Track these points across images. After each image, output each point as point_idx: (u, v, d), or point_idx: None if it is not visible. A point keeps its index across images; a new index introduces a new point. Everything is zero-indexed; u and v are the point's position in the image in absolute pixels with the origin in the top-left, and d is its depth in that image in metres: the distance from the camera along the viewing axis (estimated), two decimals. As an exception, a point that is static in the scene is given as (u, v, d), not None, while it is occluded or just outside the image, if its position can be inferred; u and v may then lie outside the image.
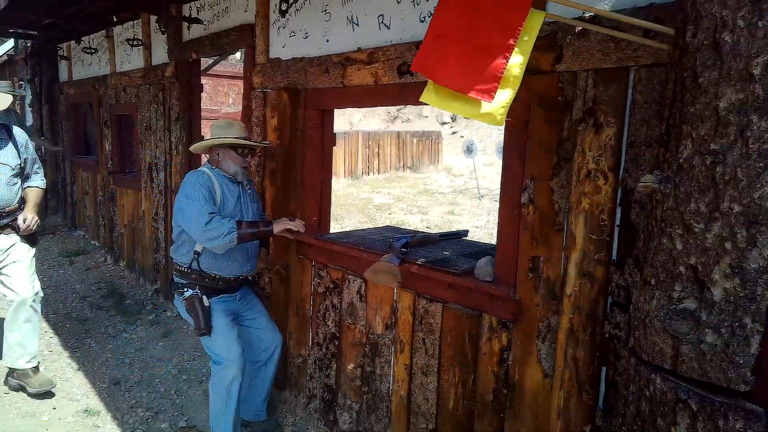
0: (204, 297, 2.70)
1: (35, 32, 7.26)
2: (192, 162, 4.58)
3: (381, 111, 21.77)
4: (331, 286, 2.99)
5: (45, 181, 3.64)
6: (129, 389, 3.56)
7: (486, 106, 1.43)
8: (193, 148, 2.93)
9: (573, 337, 1.92)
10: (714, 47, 1.05)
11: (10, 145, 3.30)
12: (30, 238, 3.41)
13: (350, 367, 2.91)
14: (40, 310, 3.51)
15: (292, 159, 3.22)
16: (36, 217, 3.39)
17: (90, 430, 3.10)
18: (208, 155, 2.87)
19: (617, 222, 1.78)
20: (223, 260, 2.76)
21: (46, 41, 7.58)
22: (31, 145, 3.47)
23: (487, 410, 2.25)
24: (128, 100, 5.60)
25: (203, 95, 5.06)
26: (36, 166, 3.53)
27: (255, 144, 2.90)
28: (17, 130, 3.41)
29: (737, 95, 1.02)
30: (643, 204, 1.64)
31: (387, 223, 9.47)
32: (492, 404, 2.23)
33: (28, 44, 8.30)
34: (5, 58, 12.86)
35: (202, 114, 5.08)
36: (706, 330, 1.15)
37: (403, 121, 22.03)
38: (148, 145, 5.18)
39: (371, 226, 8.29)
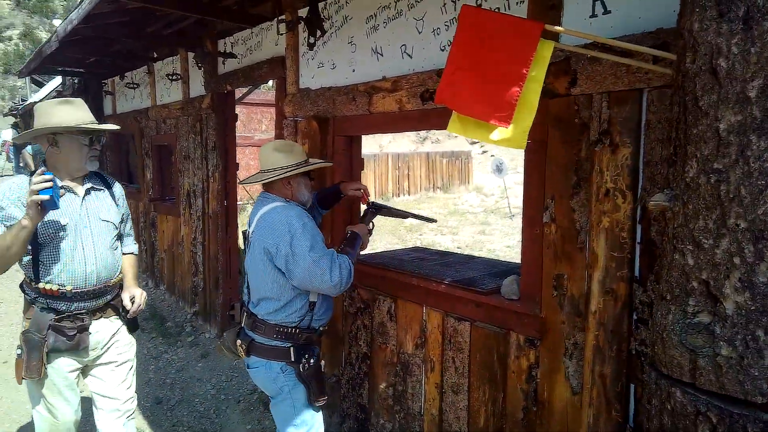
0: (322, 362, 2.38)
1: (82, 69, 7.71)
2: (228, 189, 4.78)
3: (410, 133, 21.96)
4: (362, 306, 3.08)
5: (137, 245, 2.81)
6: (171, 408, 3.70)
7: (506, 132, 1.52)
8: (271, 174, 2.35)
9: (599, 353, 1.95)
10: (711, 72, 1.11)
11: (109, 197, 2.50)
12: (132, 321, 2.60)
13: (382, 386, 2.97)
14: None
15: (322, 183, 3.34)
16: (144, 294, 2.63)
17: (134, 448, 3.23)
18: (270, 189, 2.40)
19: (638, 239, 1.82)
20: (327, 302, 2.42)
21: (91, 77, 8.03)
22: (125, 199, 2.65)
23: (517, 427, 2.27)
24: (167, 130, 5.88)
25: (237, 123, 5.29)
26: (130, 225, 2.68)
27: (327, 164, 2.65)
28: (112, 179, 2.63)
29: (736, 117, 1.07)
30: (660, 221, 1.68)
31: (417, 244, 9.52)
32: (522, 422, 2.25)
33: (75, 80, 8.80)
34: (54, 93, 13.62)
35: (237, 141, 5.30)
36: (721, 343, 1.19)
37: (432, 142, 22.17)
38: (186, 173, 5.42)
39: (401, 247, 8.36)
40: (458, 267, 2.88)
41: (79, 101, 2.33)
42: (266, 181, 2.35)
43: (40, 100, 16.15)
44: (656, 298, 1.66)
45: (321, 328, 2.42)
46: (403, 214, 2.74)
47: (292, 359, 2.29)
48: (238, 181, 2.52)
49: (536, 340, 2.18)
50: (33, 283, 2.28)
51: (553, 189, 2.06)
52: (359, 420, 3.15)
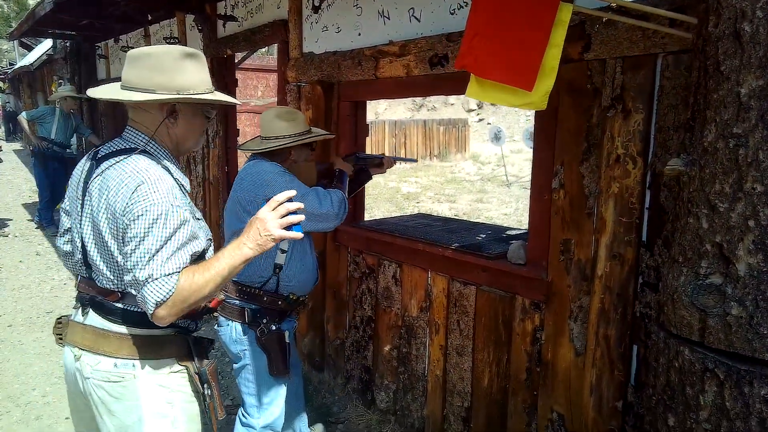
0: (287, 332, 2.26)
1: (73, 32, 7.55)
2: (229, 155, 4.76)
3: (407, 100, 21.77)
4: (367, 271, 3.12)
5: None
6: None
7: (527, 95, 1.53)
8: (272, 143, 2.29)
9: (604, 316, 2.00)
10: (735, 36, 1.12)
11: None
12: None
13: (387, 348, 3.04)
14: None
15: (326, 150, 3.33)
16: None
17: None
18: (267, 157, 2.30)
19: (646, 205, 1.85)
20: (304, 274, 2.33)
21: (84, 40, 7.87)
22: None
23: (520, 388, 2.35)
24: (165, 96, 5.79)
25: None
26: None
27: (329, 136, 2.60)
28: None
29: (757, 82, 1.09)
30: (671, 187, 1.71)
31: (415, 211, 9.56)
32: (525, 382, 2.32)
33: (67, 43, 8.63)
34: (45, 57, 13.35)
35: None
36: (732, 303, 1.23)
37: (428, 110, 22.00)
38: (185, 140, 5.38)
39: (399, 215, 8.40)
40: (463, 233, 2.92)
41: (202, 56, 1.59)
42: (267, 149, 2.27)
43: (31, 64, 15.80)
44: (665, 261, 1.70)
45: (292, 296, 2.27)
46: (379, 160, 2.81)
47: (247, 321, 2.19)
48: (240, 148, 2.47)
49: (542, 304, 2.23)
50: None
51: (563, 155, 2.07)
52: (363, 381, 3.23)
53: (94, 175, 1.51)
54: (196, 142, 1.69)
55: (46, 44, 13.84)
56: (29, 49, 19.94)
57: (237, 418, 2.31)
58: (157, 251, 1.38)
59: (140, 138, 1.54)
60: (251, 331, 2.21)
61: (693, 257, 1.29)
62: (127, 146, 1.53)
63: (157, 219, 1.39)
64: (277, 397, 2.28)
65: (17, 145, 16.23)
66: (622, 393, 1.99)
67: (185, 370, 1.60)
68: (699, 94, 1.25)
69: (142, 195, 1.40)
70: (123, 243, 1.43)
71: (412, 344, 2.88)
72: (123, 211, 1.41)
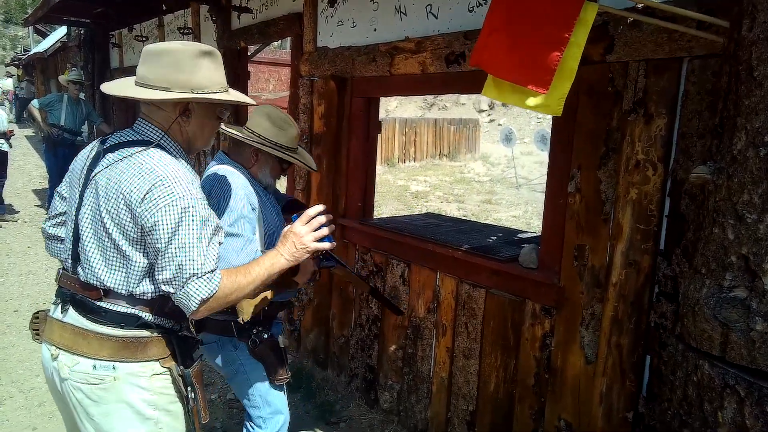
0: (280, 337, 2.15)
1: (87, 20, 7.56)
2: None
3: (418, 98, 21.68)
4: (375, 269, 3.08)
5: None
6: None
7: (543, 97, 1.48)
8: (232, 131, 2.08)
9: (617, 324, 1.95)
10: (772, 41, 1.07)
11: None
12: None
13: (392, 348, 3.00)
14: None
15: (337, 146, 3.30)
16: None
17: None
18: (233, 152, 2.11)
19: (666, 212, 1.80)
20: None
21: (98, 28, 7.88)
22: None
23: (528, 394, 2.31)
24: (177, 87, 5.78)
25: (247, 82, 5.18)
26: None
27: (310, 168, 2.27)
28: None
29: (795, 89, 1.04)
30: (693, 195, 1.66)
31: (423, 210, 9.52)
32: (533, 388, 2.28)
33: (81, 31, 8.64)
34: (58, 45, 13.41)
35: (248, 101, 5.20)
36: (756, 318, 1.18)
37: (439, 109, 21.91)
38: (196, 131, 5.36)
39: (407, 213, 8.36)
40: (473, 235, 2.88)
41: (218, 55, 1.55)
42: (238, 137, 2.04)
43: (45, 51, 15.89)
44: (685, 271, 1.66)
45: (278, 300, 2.11)
46: (361, 283, 2.53)
47: (236, 335, 2.06)
48: (221, 128, 1.96)
49: (552, 309, 2.19)
50: None
51: (580, 159, 2.03)
52: (367, 380, 3.20)
53: (102, 166, 1.45)
54: (207, 142, 1.65)
55: (61, 31, 13.90)
56: (44, 35, 20.05)
57: (244, 430, 2.27)
58: (192, 246, 1.36)
59: (155, 132, 1.50)
60: (241, 344, 2.10)
61: (717, 269, 1.25)
62: (141, 138, 1.48)
63: (185, 212, 1.36)
64: (281, 403, 2.22)
65: (29, 131, 16.31)
66: (632, 404, 1.95)
67: (168, 372, 1.52)
68: (729, 100, 1.21)
69: (166, 189, 1.36)
70: (143, 236, 1.39)
71: (418, 345, 2.85)
72: (140, 203, 1.36)
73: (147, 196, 1.36)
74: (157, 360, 1.51)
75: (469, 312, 2.54)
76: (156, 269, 1.40)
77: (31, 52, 20.28)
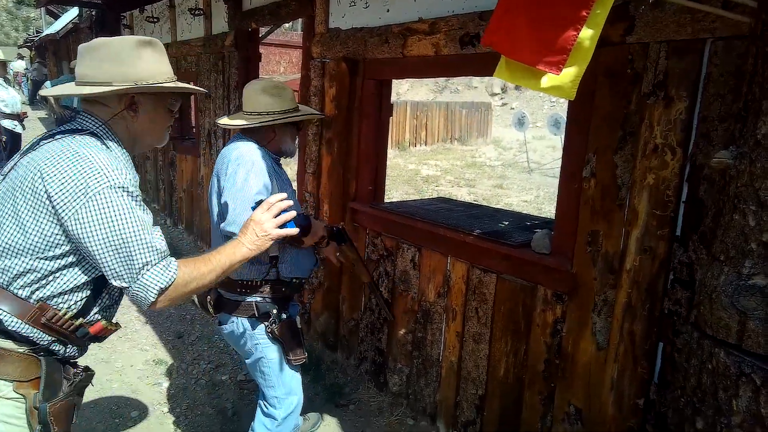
0: (297, 318, 2.21)
1: (99, 1, 7.52)
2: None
3: (429, 81, 21.48)
4: (385, 253, 3.08)
5: None
6: (192, 343, 3.80)
7: (556, 79, 1.44)
8: (235, 121, 2.18)
9: (630, 311, 1.93)
10: (804, 20, 1.03)
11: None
12: None
13: (401, 332, 3.01)
14: None
15: (348, 128, 3.28)
16: None
17: (158, 377, 3.34)
18: (248, 134, 2.17)
19: (683, 198, 1.77)
20: (301, 258, 2.23)
21: (109, 10, 7.84)
22: None
23: (537, 379, 2.30)
24: (188, 68, 5.77)
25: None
26: None
27: (319, 115, 2.52)
28: None
29: (826, 70, 1.00)
30: (712, 180, 1.62)
31: (434, 195, 9.48)
32: (543, 374, 2.28)
33: (93, 13, 8.62)
34: (70, 26, 13.41)
35: (259, 83, 5.18)
36: (775, 307, 1.16)
37: (451, 92, 21.70)
38: (207, 113, 5.36)
39: (418, 198, 8.33)
40: (485, 219, 2.85)
41: (161, 45, 1.52)
42: (250, 126, 2.12)
43: (57, 32, 15.89)
44: (700, 258, 1.63)
45: (295, 281, 2.21)
46: (364, 271, 2.58)
47: (257, 315, 2.10)
48: (219, 122, 2.24)
49: (564, 295, 2.17)
50: None
51: (597, 143, 1.99)
52: (376, 363, 3.21)
53: (29, 149, 1.36)
54: (161, 137, 1.58)
55: (73, 13, 13.89)
56: (56, 17, 20.05)
57: (258, 408, 2.29)
58: (136, 233, 1.27)
59: (92, 122, 1.42)
60: (259, 324, 2.13)
61: (736, 256, 1.22)
62: (76, 128, 1.41)
63: (119, 197, 1.27)
64: (296, 384, 2.24)
65: (42, 113, 16.41)
66: (644, 390, 1.94)
67: (23, 400, 1.29)
68: (755, 83, 1.17)
69: (85, 171, 1.26)
70: (60, 225, 1.28)
71: (427, 329, 2.85)
72: (60, 187, 1.25)
73: (67, 179, 1.25)
74: (12, 380, 1.29)
75: (479, 297, 2.53)
76: (100, 265, 1.28)
77: (43, 34, 20.31)
